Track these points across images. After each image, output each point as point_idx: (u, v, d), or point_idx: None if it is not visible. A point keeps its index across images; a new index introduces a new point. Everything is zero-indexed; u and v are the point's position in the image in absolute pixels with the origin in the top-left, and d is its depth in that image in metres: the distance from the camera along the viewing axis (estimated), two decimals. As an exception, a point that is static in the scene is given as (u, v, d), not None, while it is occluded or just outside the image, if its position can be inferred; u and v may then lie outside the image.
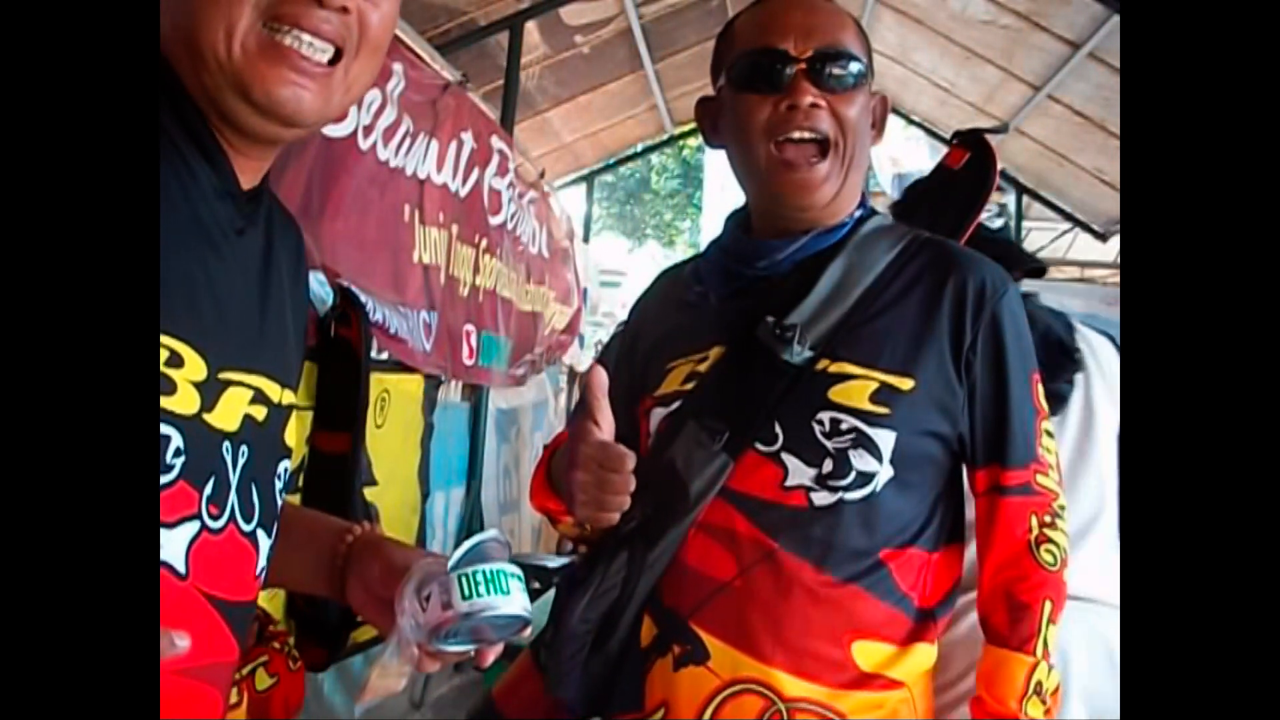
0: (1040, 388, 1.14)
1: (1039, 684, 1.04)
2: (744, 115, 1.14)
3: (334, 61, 0.75)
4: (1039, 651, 1.05)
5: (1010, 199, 8.16)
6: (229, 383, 0.74)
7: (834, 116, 1.12)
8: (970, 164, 1.32)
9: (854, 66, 1.13)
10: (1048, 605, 1.06)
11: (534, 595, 2.77)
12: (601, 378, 1.04)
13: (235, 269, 0.76)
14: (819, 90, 1.11)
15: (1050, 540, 1.09)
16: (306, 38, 0.72)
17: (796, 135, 1.11)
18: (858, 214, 1.19)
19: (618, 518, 1.04)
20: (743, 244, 1.21)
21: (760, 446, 1.09)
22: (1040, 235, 10.37)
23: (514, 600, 0.76)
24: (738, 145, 1.17)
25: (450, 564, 0.76)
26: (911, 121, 8.26)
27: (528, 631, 0.80)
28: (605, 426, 1.03)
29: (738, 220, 1.24)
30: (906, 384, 1.08)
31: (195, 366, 0.70)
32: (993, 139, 1.37)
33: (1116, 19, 4.97)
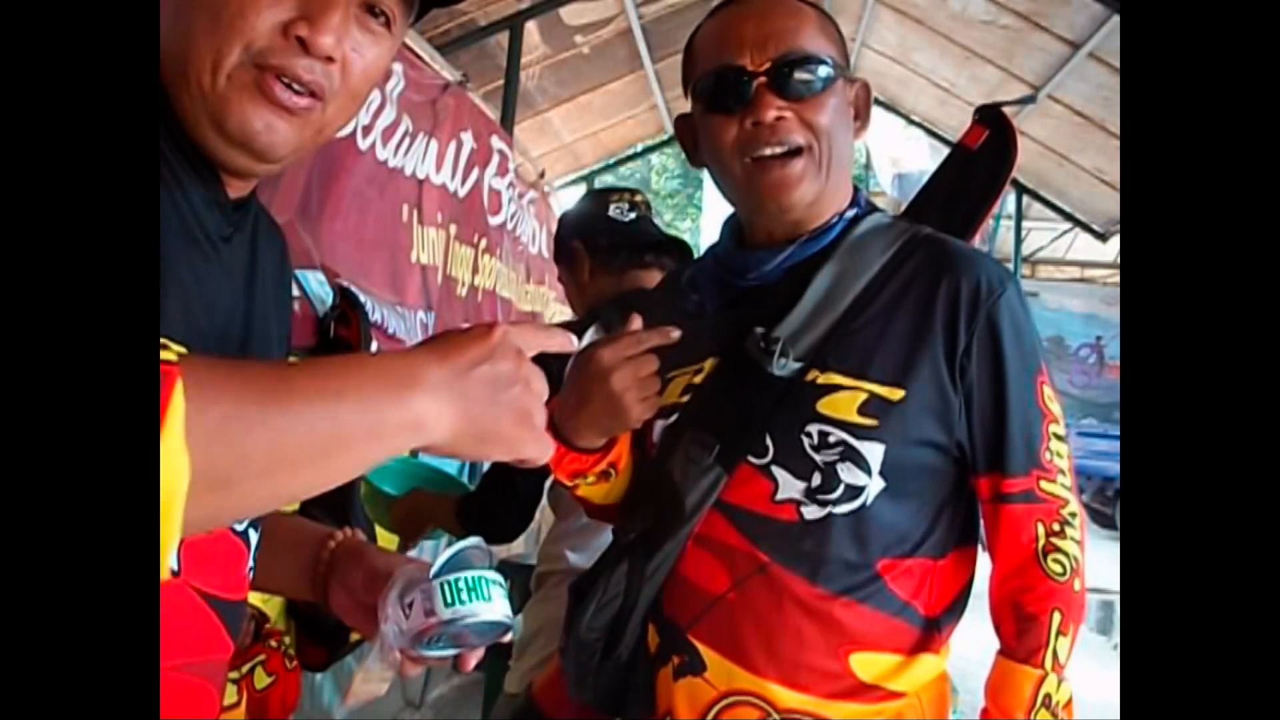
0: (1047, 389, 1.10)
1: (1048, 696, 1.02)
2: (713, 135, 1.12)
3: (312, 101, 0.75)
4: (1047, 663, 1.03)
5: (1010, 199, 8.16)
6: None
7: (803, 124, 1.08)
8: (989, 142, 1.28)
9: (820, 70, 1.09)
10: (1056, 616, 1.04)
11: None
12: (637, 324, 1.09)
13: (221, 275, 0.77)
14: (784, 101, 1.07)
15: (1059, 550, 1.06)
16: (286, 81, 0.72)
17: (768, 152, 1.08)
18: (850, 214, 1.16)
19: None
20: (734, 255, 1.19)
21: (752, 459, 1.08)
22: (1040, 235, 10.40)
23: (495, 606, 0.77)
24: (713, 164, 1.15)
25: (432, 571, 0.77)
26: (911, 121, 8.27)
27: (509, 636, 0.80)
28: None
29: (731, 229, 1.22)
30: (897, 394, 1.05)
31: None
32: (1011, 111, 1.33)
33: (1116, 19, 4.97)
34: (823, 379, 1.07)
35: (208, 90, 0.71)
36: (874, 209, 1.19)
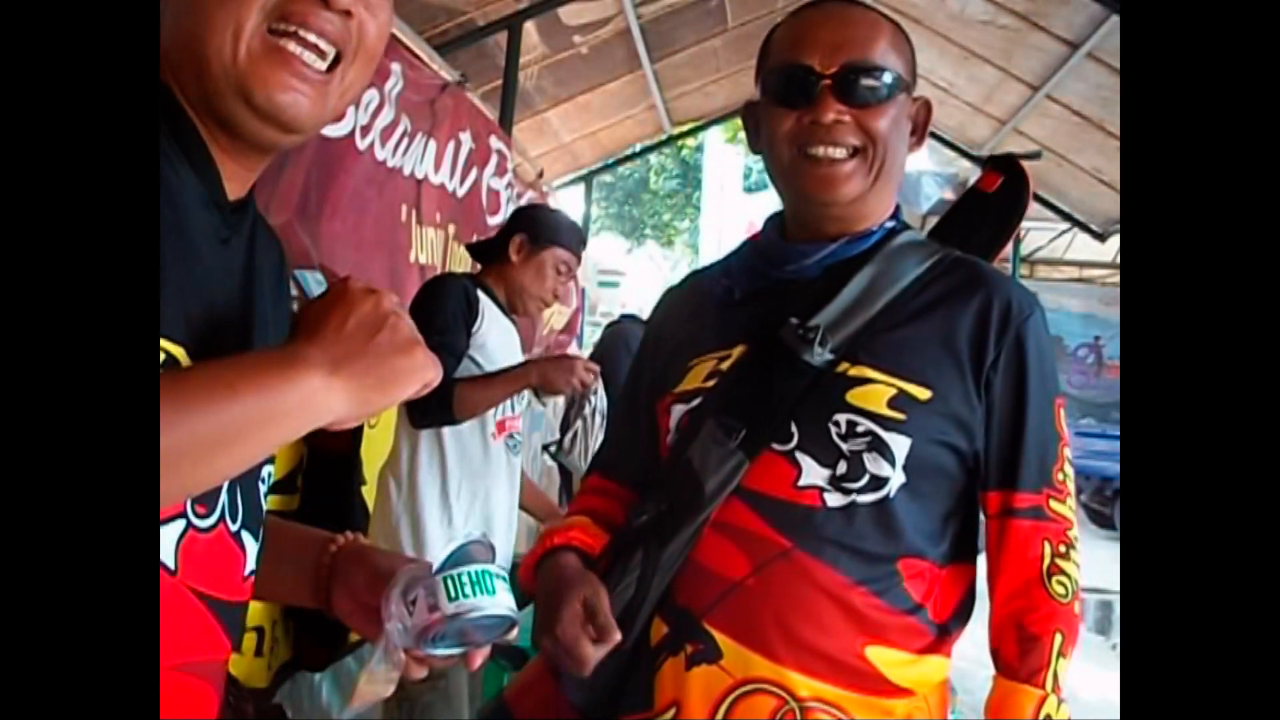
0: (1063, 413, 1.14)
1: (1048, 717, 1.04)
2: (773, 127, 1.16)
3: (332, 67, 0.76)
4: (1049, 684, 1.04)
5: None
6: None
7: (860, 129, 1.12)
8: (1004, 187, 1.33)
9: (886, 78, 1.13)
10: (1059, 638, 1.06)
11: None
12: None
13: (218, 277, 0.77)
14: (845, 105, 1.11)
15: (1063, 571, 1.08)
16: (311, 38, 0.74)
17: (821, 151, 1.12)
18: (890, 225, 1.19)
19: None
20: (775, 246, 1.22)
21: (776, 445, 1.09)
22: (1039, 235, 10.39)
23: (500, 600, 0.76)
24: (769, 152, 1.18)
25: (435, 567, 0.76)
26: (910, 121, 8.25)
27: (515, 632, 0.80)
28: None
29: (775, 223, 1.25)
30: (924, 394, 1.08)
31: None
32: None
33: (1116, 19, 4.97)
34: (854, 371, 1.09)
35: (229, 63, 0.72)
36: (908, 227, 1.23)
